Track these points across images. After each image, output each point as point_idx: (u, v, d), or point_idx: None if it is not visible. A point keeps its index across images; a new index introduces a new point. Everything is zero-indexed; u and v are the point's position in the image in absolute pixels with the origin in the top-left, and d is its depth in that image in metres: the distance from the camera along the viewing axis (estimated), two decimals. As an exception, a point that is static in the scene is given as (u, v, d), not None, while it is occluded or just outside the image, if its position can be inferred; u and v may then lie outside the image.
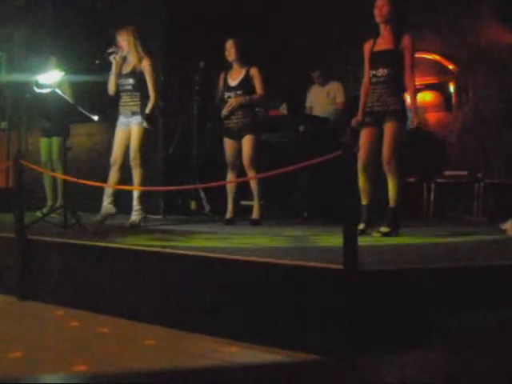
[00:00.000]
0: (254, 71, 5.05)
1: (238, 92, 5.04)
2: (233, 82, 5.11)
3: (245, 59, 5.10)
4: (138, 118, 4.93)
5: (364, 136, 4.16)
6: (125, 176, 5.08)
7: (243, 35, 5.16)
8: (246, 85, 5.05)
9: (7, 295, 3.92)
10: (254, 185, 5.06)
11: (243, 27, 5.54)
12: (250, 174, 4.97)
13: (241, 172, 5.16)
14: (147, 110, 4.91)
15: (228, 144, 5.15)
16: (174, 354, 2.74)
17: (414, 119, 4.04)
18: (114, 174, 4.99)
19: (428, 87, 7.10)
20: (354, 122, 4.22)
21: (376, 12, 4.12)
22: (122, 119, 5.04)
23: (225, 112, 5.08)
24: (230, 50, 5.07)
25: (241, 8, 6.50)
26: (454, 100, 6.89)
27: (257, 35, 6.08)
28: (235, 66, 5.13)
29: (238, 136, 5.07)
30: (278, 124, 6.10)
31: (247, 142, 5.02)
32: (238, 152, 5.10)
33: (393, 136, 4.03)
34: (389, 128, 4.05)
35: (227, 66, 5.18)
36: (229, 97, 5.08)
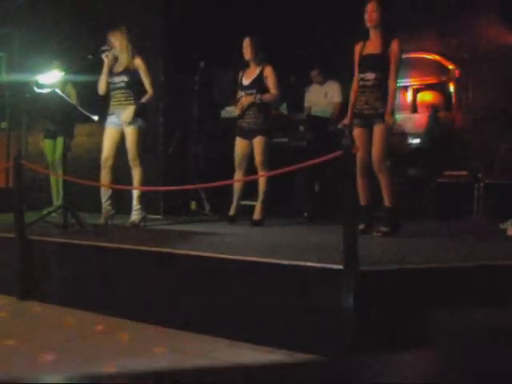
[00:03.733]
0: (268, 70, 4.99)
1: (250, 91, 5.00)
2: (246, 81, 5.07)
3: (261, 58, 5.04)
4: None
5: (357, 138, 4.21)
6: (124, 176, 5.07)
7: (243, 35, 5.14)
8: (258, 84, 4.99)
9: (7, 295, 3.92)
10: (262, 185, 5.01)
11: (244, 27, 5.52)
12: (262, 174, 4.93)
13: (247, 172, 5.12)
14: (142, 100, 4.89)
15: (239, 143, 5.08)
16: (175, 354, 2.74)
17: (388, 119, 4.10)
18: (105, 176, 4.94)
19: (428, 87, 7.10)
20: (341, 125, 4.34)
21: (366, 17, 4.19)
22: (113, 118, 4.98)
23: (237, 111, 5.07)
24: (247, 49, 5.02)
25: (241, 7, 6.49)
26: (453, 100, 6.89)
27: (257, 34, 6.06)
28: (251, 64, 5.08)
29: (249, 136, 5.01)
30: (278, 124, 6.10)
31: (258, 143, 4.96)
32: (248, 152, 5.05)
33: (381, 138, 4.14)
34: (378, 131, 4.15)
35: (245, 65, 5.14)
36: (241, 96, 5.05)
